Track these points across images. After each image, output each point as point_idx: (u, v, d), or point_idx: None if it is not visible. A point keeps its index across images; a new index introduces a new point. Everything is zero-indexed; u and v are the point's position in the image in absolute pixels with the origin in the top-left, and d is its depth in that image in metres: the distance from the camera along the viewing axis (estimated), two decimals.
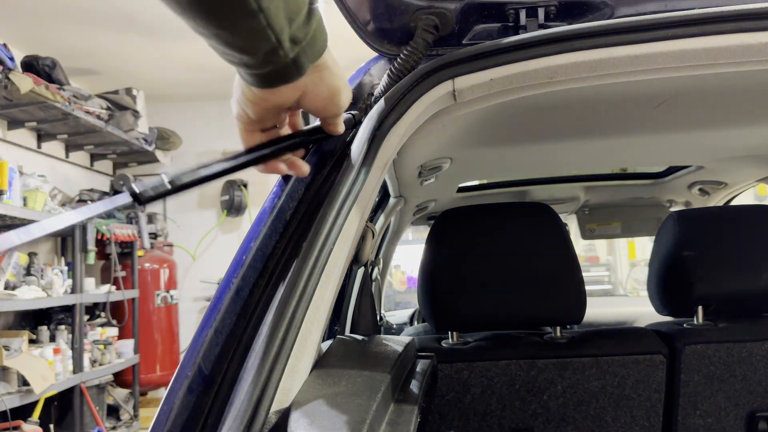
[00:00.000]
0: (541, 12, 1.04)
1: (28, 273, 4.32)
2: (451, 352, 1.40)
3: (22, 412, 3.98)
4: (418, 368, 1.01)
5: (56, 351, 4.27)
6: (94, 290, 4.98)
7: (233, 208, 6.46)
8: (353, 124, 0.93)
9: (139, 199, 0.74)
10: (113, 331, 5.16)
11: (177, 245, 6.43)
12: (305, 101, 0.80)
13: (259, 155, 0.83)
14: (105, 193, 5.69)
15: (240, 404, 0.65)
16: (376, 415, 0.69)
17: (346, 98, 0.83)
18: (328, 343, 0.92)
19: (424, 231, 3.67)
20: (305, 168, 0.87)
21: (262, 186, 6.50)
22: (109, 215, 5.26)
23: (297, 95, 0.78)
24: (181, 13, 0.64)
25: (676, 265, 1.49)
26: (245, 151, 0.83)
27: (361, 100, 1.00)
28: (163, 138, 6.05)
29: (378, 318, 2.25)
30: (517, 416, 1.39)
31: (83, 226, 4.69)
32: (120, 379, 5.40)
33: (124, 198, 0.73)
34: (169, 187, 0.76)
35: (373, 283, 1.98)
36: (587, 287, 1.41)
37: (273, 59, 0.70)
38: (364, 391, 0.73)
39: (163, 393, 4.70)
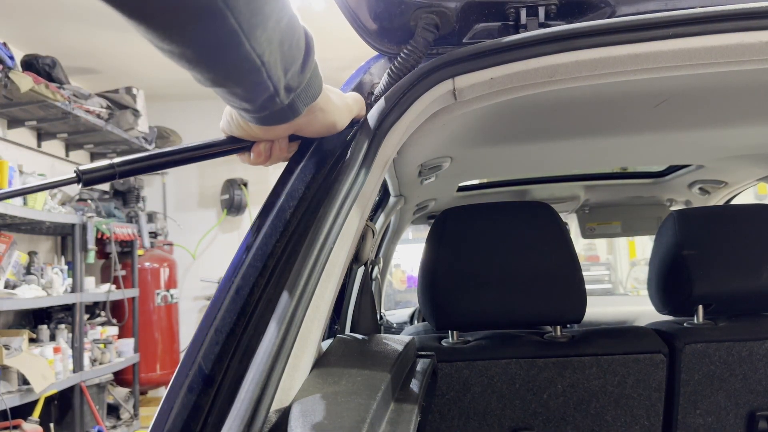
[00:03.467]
0: (541, 11, 1.04)
1: (28, 272, 4.32)
2: (452, 351, 1.40)
3: (23, 411, 3.98)
4: (419, 367, 1.01)
5: (56, 350, 4.27)
6: (94, 289, 4.98)
7: (233, 207, 6.46)
8: (352, 123, 0.93)
9: (81, 180, 0.78)
10: (113, 330, 5.16)
11: (177, 244, 6.43)
12: (301, 133, 0.85)
13: (207, 152, 0.87)
14: (105, 192, 5.70)
15: (240, 403, 0.65)
16: (376, 414, 0.69)
17: (342, 124, 0.88)
18: (329, 342, 0.92)
19: (424, 230, 3.67)
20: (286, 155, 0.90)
21: (262, 185, 6.51)
22: (109, 214, 5.26)
23: (290, 132, 0.84)
24: (188, 67, 0.66)
25: (676, 265, 1.49)
26: (195, 146, 0.87)
27: None
28: (163, 137, 6.05)
29: (378, 317, 2.25)
30: (517, 415, 1.39)
31: (83, 225, 4.70)
32: (120, 378, 5.40)
33: (70, 178, 0.78)
34: (114, 170, 0.80)
35: (374, 283, 1.98)
36: (587, 286, 1.41)
37: (269, 105, 0.74)
38: (365, 390, 0.73)
39: (163, 392, 4.70)
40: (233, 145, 0.86)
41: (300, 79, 0.74)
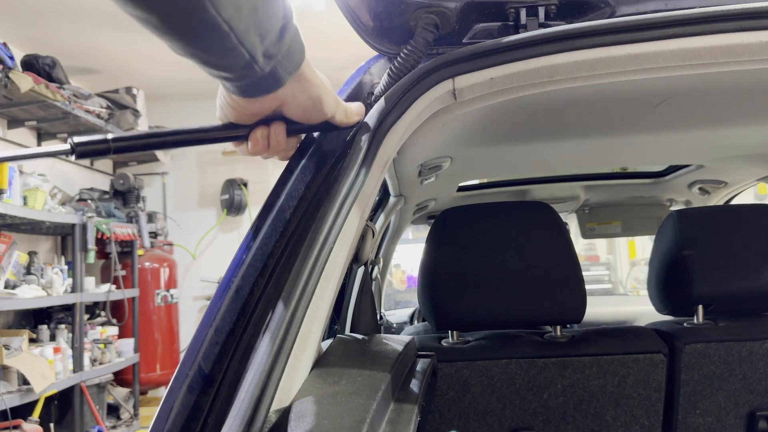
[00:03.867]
0: (541, 11, 1.04)
1: (28, 272, 4.32)
2: (452, 351, 1.40)
3: (23, 411, 3.98)
4: (419, 367, 1.01)
5: (56, 350, 4.28)
6: (94, 289, 4.98)
7: (233, 207, 6.46)
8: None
9: (75, 151, 0.76)
10: (113, 330, 5.16)
11: (177, 244, 6.43)
12: (286, 110, 0.83)
13: (204, 137, 0.84)
14: (105, 192, 5.70)
15: (240, 403, 0.65)
16: (376, 414, 0.69)
17: (329, 106, 0.85)
18: (329, 342, 0.92)
19: (424, 230, 3.66)
20: (287, 153, 0.89)
21: (262, 185, 6.51)
22: (109, 214, 5.26)
23: (276, 105, 0.81)
24: (158, 35, 0.66)
25: (676, 265, 1.49)
26: (192, 129, 0.84)
27: (361, 100, 1.00)
28: None
29: (378, 317, 2.25)
30: (517, 415, 1.39)
31: (83, 225, 4.70)
32: (120, 378, 5.41)
33: (63, 148, 0.77)
34: (108, 145, 0.78)
35: (373, 282, 1.98)
36: (587, 286, 1.41)
37: (249, 74, 0.73)
38: (365, 390, 0.73)
39: (163, 392, 4.70)
40: (230, 132, 0.84)
41: (279, 46, 0.73)
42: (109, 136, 0.78)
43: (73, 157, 0.77)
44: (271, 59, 0.73)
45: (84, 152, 0.77)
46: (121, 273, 5.17)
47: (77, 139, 0.77)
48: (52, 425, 4.40)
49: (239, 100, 0.79)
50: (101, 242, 5.02)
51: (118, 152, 0.79)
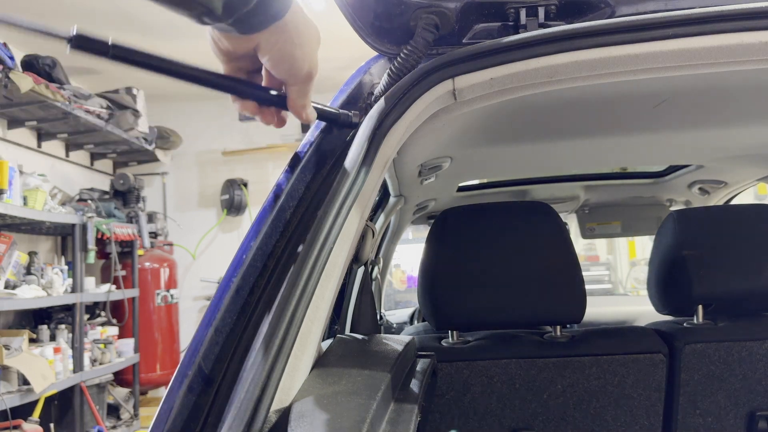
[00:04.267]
0: (541, 11, 1.04)
1: (28, 272, 4.32)
2: (451, 351, 1.40)
3: (23, 412, 3.98)
4: (419, 367, 1.01)
5: (56, 350, 4.28)
6: (95, 289, 4.98)
7: (233, 207, 6.46)
8: (351, 123, 0.93)
9: (71, 41, 0.72)
10: (113, 331, 5.16)
11: (177, 244, 6.43)
12: (260, 54, 0.79)
13: (205, 77, 0.81)
14: (105, 192, 5.70)
15: (240, 403, 0.65)
16: (376, 414, 0.69)
17: (301, 69, 0.80)
18: (328, 342, 0.92)
19: (424, 230, 3.66)
20: (280, 122, 0.87)
21: (262, 185, 6.51)
22: (109, 214, 5.26)
23: (251, 47, 0.78)
24: None
25: (676, 265, 1.49)
26: (205, 70, 0.81)
27: (361, 100, 1.00)
28: (164, 137, 6.05)
29: (378, 317, 2.25)
30: (517, 415, 1.39)
31: (83, 225, 4.70)
32: (120, 378, 5.41)
33: (61, 34, 0.72)
34: (107, 49, 0.74)
35: (373, 283, 1.98)
36: (587, 286, 1.41)
37: (209, 21, 0.71)
38: (365, 390, 0.73)
39: (163, 392, 4.70)
40: (232, 84, 0.82)
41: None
42: (113, 42, 0.74)
43: (67, 49, 0.72)
44: (236, 11, 0.70)
45: (80, 46, 0.72)
46: (121, 273, 5.17)
47: (81, 32, 0.72)
48: (52, 425, 4.40)
49: (216, 32, 0.77)
50: (101, 242, 5.02)
51: (115, 58, 0.74)
